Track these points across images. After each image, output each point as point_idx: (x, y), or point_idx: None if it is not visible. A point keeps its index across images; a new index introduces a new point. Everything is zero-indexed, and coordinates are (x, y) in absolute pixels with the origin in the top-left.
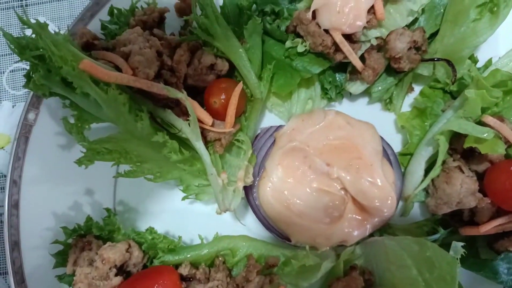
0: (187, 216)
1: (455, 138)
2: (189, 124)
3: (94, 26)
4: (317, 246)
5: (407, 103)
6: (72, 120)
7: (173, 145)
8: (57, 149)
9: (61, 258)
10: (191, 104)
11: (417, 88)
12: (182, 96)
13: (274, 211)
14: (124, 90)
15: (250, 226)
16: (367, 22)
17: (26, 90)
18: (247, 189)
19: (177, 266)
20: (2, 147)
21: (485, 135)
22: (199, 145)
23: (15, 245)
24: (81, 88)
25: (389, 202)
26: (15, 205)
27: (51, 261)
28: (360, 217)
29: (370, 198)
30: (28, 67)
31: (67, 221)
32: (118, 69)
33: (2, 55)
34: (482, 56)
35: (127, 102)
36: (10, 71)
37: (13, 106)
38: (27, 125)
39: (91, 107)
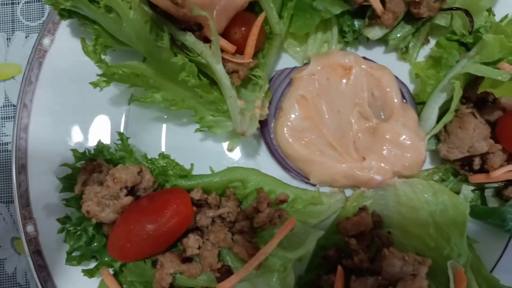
0: (198, 153)
1: (469, 87)
2: (210, 46)
3: None
4: (335, 185)
5: (422, 56)
6: (90, 42)
7: (192, 68)
8: (71, 76)
9: (69, 182)
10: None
11: (433, 42)
12: (205, 14)
13: (293, 150)
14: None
15: (260, 166)
16: None
17: (40, 21)
18: (264, 131)
19: (188, 191)
20: (13, 77)
21: (501, 77)
22: (219, 67)
23: (22, 168)
24: (106, 1)
25: (420, 162)
26: (24, 129)
27: (58, 186)
28: (386, 166)
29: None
30: None
31: (77, 147)
32: None
33: None
34: (498, 13)
35: (149, 21)
36: (25, 2)
37: (26, 37)
38: (42, 50)
39: (111, 24)
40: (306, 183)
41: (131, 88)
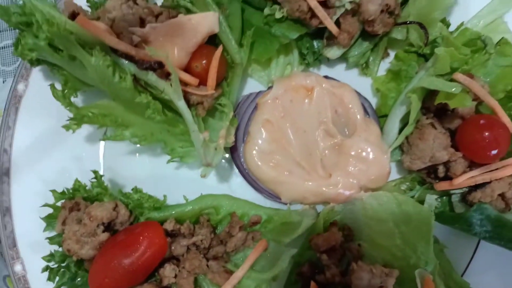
0: (173, 181)
1: (428, 97)
2: (171, 84)
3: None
4: (306, 202)
5: (383, 69)
6: (59, 87)
7: (156, 106)
8: (46, 119)
9: (51, 221)
10: (172, 64)
11: (393, 54)
12: (163, 55)
13: (262, 173)
14: (108, 54)
15: (234, 189)
16: None
17: (16, 65)
18: (235, 156)
19: (162, 222)
20: None
21: (453, 89)
22: (181, 103)
23: (7, 210)
24: (67, 50)
25: (385, 174)
26: (6, 173)
27: (42, 225)
28: (352, 181)
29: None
30: None
31: (57, 186)
32: None
33: None
34: (454, 21)
35: (111, 65)
36: (0, 48)
37: (3, 82)
38: (17, 96)
39: (76, 70)
40: (279, 202)
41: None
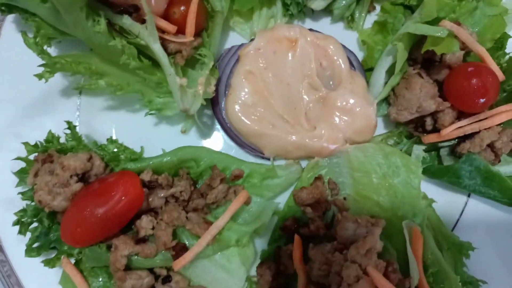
0: (152, 138)
1: (415, 48)
2: (146, 27)
3: None
4: (289, 157)
5: (369, 23)
6: (31, 35)
7: (131, 50)
8: (20, 71)
9: (23, 175)
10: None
11: (379, 8)
12: None
13: (244, 126)
14: None
15: (216, 146)
16: None
17: None
18: (216, 110)
19: (139, 174)
20: None
21: (439, 33)
22: (156, 47)
23: None
24: None
25: (371, 127)
26: None
27: (14, 181)
28: (337, 134)
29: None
30: None
31: (30, 140)
32: None
33: None
34: None
35: (84, 7)
36: None
37: None
38: None
39: (49, 15)
40: (262, 157)
41: (81, 79)
